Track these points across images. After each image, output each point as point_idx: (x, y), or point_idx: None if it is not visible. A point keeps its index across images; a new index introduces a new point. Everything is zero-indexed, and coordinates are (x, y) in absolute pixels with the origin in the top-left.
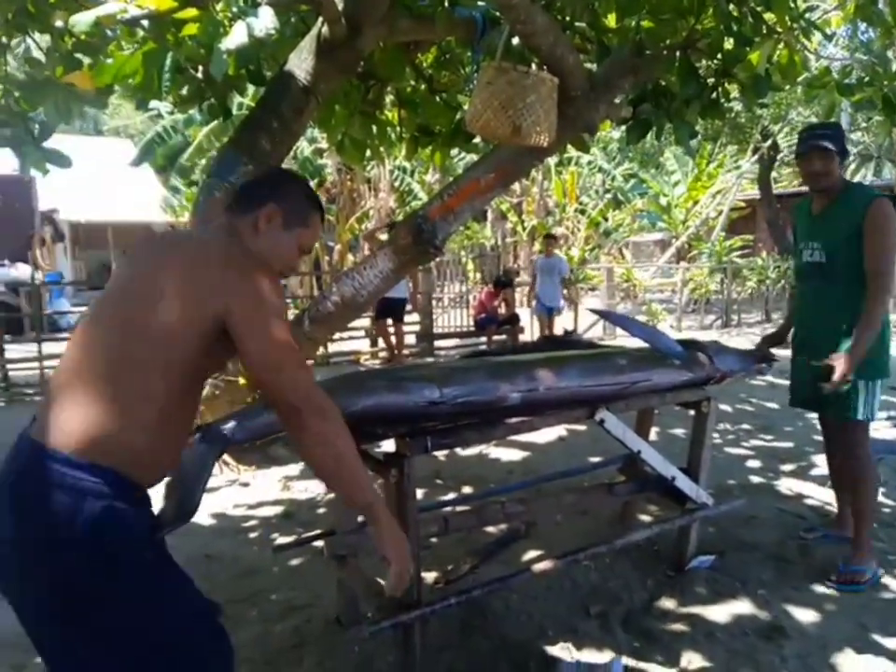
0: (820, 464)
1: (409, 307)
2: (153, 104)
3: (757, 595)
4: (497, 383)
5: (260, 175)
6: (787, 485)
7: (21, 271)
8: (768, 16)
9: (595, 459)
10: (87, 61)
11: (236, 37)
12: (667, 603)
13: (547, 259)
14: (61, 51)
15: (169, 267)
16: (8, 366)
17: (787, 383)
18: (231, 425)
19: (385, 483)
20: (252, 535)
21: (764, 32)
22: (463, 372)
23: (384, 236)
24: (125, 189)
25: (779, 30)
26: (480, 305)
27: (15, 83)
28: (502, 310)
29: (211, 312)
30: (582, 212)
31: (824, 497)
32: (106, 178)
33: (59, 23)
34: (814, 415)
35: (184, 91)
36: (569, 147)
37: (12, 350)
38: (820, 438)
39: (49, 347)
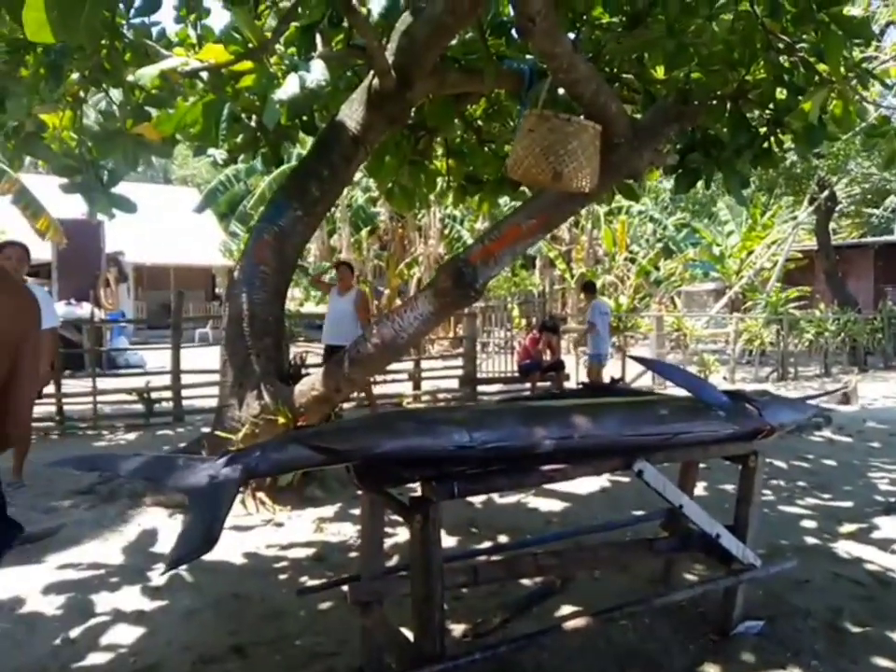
0: (883, 526)
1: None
2: (210, 151)
3: (809, 666)
4: (529, 429)
5: None
6: (845, 549)
7: (86, 309)
8: (821, 66)
9: (639, 513)
10: (155, 113)
11: (289, 88)
12: (711, 670)
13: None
14: (131, 104)
15: None
16: (64, 400)
17: (847, 440)
18: (255, 455)
19: (410, 528)
20: (282, 576)
21: (817, 81)
22: (495, 417)
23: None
24: (188, 234)
25: (833, 79)
26: (524, 351)
27: (89, 134)
28: (547, 357)
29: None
30: (633, 261)
31: (886, 562)
32: (171, 223)
33: (130, 78)
34: (878, 475)
35: (239, 140)
36: (619, 196)
37: (70, 385)
38: (883, 498)
39: (103, 383)
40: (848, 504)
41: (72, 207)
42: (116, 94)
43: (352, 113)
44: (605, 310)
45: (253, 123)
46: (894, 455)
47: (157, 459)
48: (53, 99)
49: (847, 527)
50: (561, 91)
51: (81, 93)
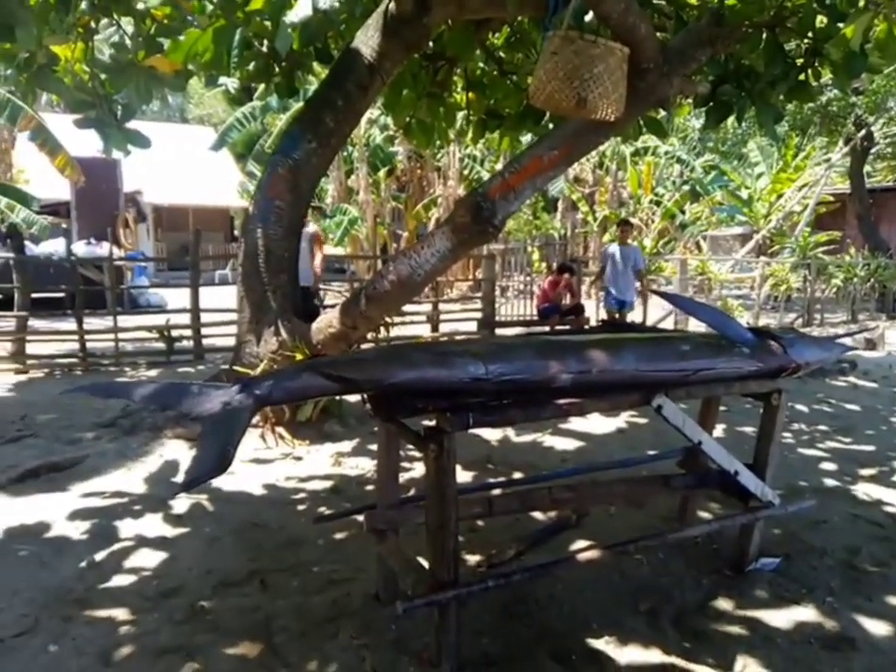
0: None
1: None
2: (223, 80)
3: (824, 602)
4: (546, 362)
5: None
6: (864, 490)
7: (105, 249)
8: None
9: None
10: (167, 44)
11: (301, 10)
12: (724, 604)
13: (621, 248)
14: (143, 35)
15: None
16: (86, 337)
17: (871, 385)
18: (269, 382)
19: (425, 457)
20: (300, 507)
21: (861, 6)
22: (511, 350)
23: None
24: (206, 175)
25: (879, 1)
26: (543, 294)
27: (101, 66)
28: (567, 300)
29: None
30: (658, 203)
31: None
32: (189, 164)
33: (140, 6)
34: None
35: (251, 68)
36: (645, 135)
37: (92, 323)
38: None
39: (124, 321)
40: (870, 448)
41: (89, 146)
42: (127, 27)
43: (367, 39)
44: None
45: (265, 49)
46: None
47: (171, 386)
48: (63, 29)
49: (868, 470)
50: (587, 17)
51: (92, 24)
